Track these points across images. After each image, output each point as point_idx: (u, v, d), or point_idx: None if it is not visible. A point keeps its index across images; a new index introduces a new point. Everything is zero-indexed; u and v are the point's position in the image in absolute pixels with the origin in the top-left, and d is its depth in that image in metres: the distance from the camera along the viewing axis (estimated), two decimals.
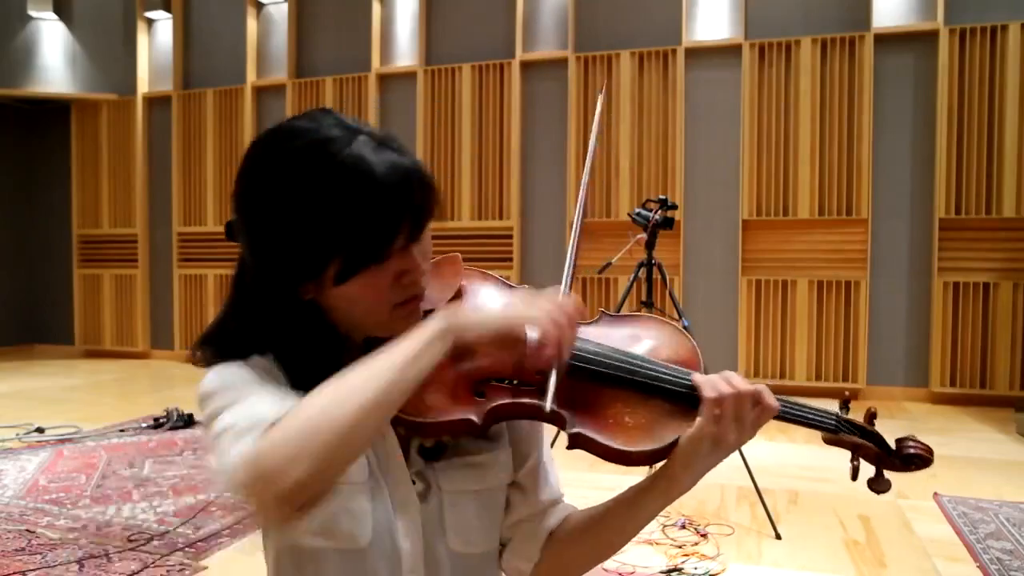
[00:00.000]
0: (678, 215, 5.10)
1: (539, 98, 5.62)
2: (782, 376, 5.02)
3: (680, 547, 2.35)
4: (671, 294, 2.85)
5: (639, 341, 0.88)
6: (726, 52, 5.15)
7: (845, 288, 4.91)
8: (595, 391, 0.82)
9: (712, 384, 0.79)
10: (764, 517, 2.51)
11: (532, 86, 5.63)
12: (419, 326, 0.72)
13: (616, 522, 0.87)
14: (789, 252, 5.02)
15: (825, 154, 4.93)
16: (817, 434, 0.89)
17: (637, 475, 0.94)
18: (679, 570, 2.18)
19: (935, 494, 2.87)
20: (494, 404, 0.79)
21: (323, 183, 0.74)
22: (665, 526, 2.53)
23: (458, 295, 0.89)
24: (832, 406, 0.87)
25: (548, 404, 0.74)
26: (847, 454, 0.85)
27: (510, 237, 5.59)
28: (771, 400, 0.79)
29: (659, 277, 2.87)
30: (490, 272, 0.96)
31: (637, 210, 2.88)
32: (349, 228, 0.73)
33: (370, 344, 0.83)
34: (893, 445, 0.84)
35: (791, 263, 5.02)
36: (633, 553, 2.30)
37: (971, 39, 4.66)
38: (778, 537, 2.44)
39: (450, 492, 0.84)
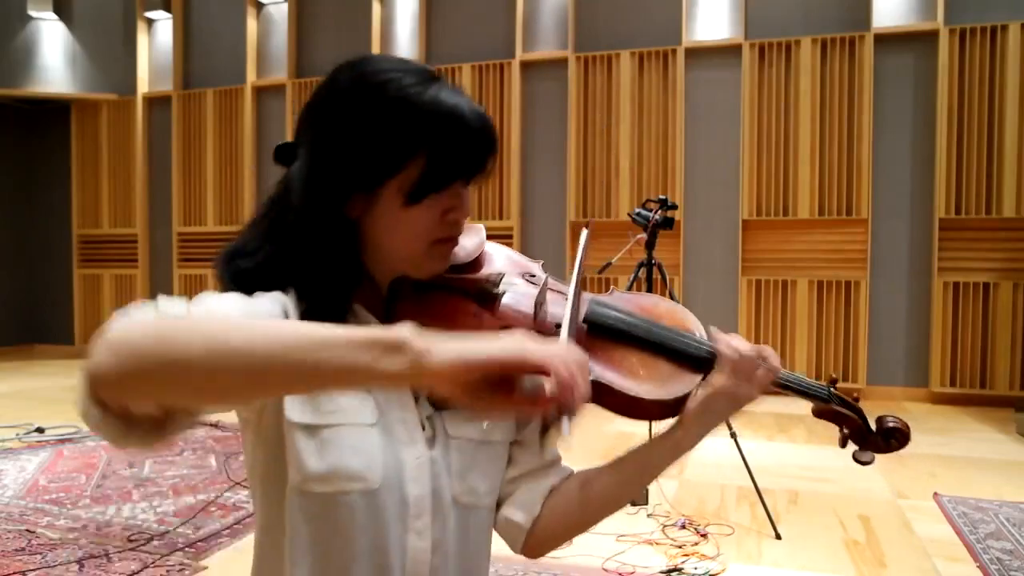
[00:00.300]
0: (678, 215, 5.11)
1: (539, 98, 5.62)
2: None
3: (680, 547, 2.35)
4: (671, 294, 2.85)
5: (651, 311, 0.94)
6: (726, 52, 5.15)
7: (845, 288, 4.91)
8: (610, 347, 0.86)
9: (729, 343, 0.86)
10: (764, 517, 2.50)
11: (532, 86, 5.63)
12: (381, 329, 0.58)
13: (623, 476, 0.91)
14: (789, 252, 5.03)
15: (825, 154, 4.93)
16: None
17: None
18: (679, 570, 2.18)
19: (935, 494, 2.87)
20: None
21: (413, 106, 0.77)
22: (665, 526, 2.53)
23: (479, 260, 0.93)
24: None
25: (566, 431, 0.64)
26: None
27: (510, 237, 5.59)
28: (775, 361, 0.86)
29: (659, 277, 2.87)
30: (509, 249, 0.98)
31: (637, 210, 2.87)
32: (430, 148, 0.77)
33: (394, 290, 0.85)
34: (874, 423, 0.92)
35: (791, 263, 5.02)
36: (633, 553, 2.30)
37: (971, 39, 4.66)
38: (778, 537, 2.43)
39: (456, 439, 0.85)
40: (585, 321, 0.87)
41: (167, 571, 2.18)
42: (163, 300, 0.66)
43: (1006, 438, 3.84)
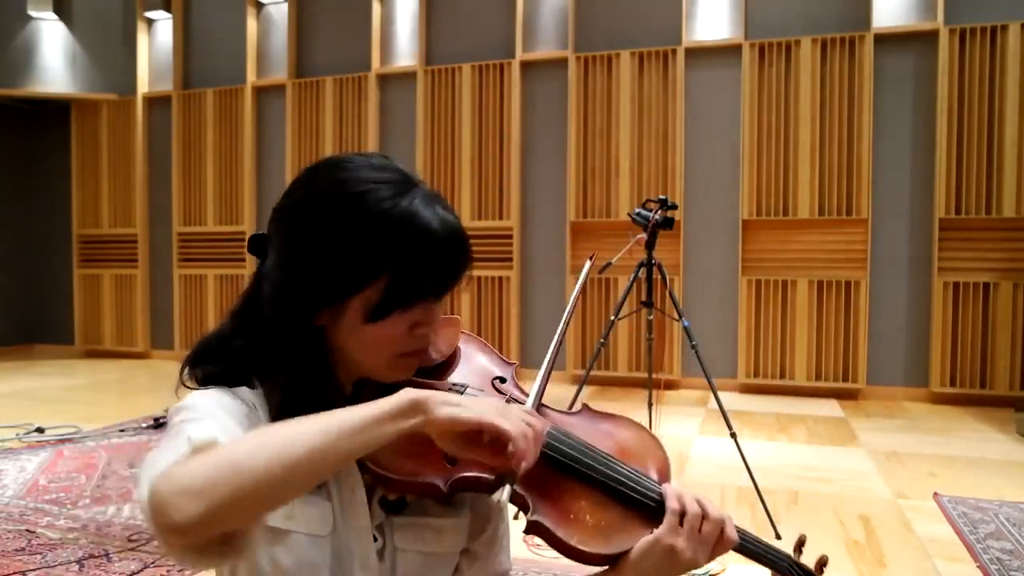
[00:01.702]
0: (678, 215, 5.11)
1: (539, 98, 5.62)
2: (782, 376, 5.02)
3: None
4: (671, 294, 2.85)
5: (615, 441, 0.89)
6: (726, 52, 5.15)
7: (845, 288, 4.91)
8: (562, 483, 0.82)
9: (679, 497, 0.81)
10: (764, 517, 2.50)
11: (532, 86, 5.63)
12: (387, 399, 0.67)
13: None
14: (789, 252, 5.02)
15: (825, 154, 4.93)
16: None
17: None
18: None
19: (935, 494, 2.87)
20: (462, 475, 0.79)
21: (379, 223, 0.77)
22: None
23: (452, 358, 0.91)
24: (788, 546, 0.89)
25: (502, 496, 0.73)
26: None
27: (510, 237, 5.59)
28: (732, 532, 0.82)
29: (659, 277, 2.87)
30: (487, 344, 0.98)
31: (637, 210, 2.87)
32: (394, 267, 0.77)
33: (359, 388, 0.85)
34: None
35: (791, 263, 5.02)
36: None
37: (971, 39, 4.66)
38: (778, 537, 2.43)
39: (403, 551, 0.84)
40: (541, 452, 0.81)
41: (167, 571, 2.18)
42: (191, 430, 0.67)
43: (1006, 438, 3.84)
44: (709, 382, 2.68)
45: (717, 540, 0.81)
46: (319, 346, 0.82)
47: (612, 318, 2.94)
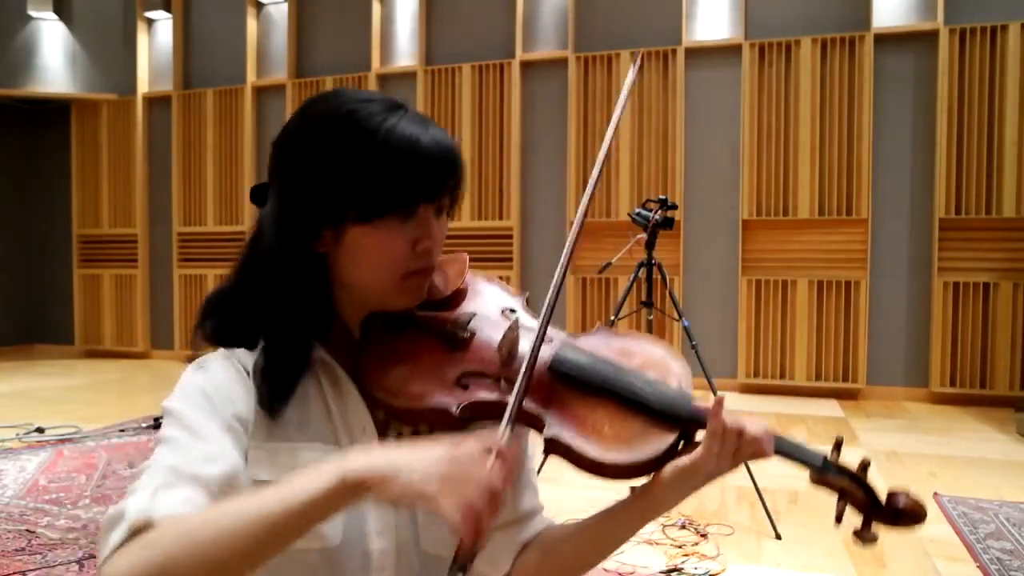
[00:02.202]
0: (678, 215, 5.11)
1: (539, 98, 5.62)
2: (782, 376, 5.02)
3: (680, 547, 2.35)
4: (671, 294, 2.85)
5: (631, 354, 0.86)
6: (726, 52, 5.15)
7: (845, 288, 4.91)
8: (576, 397, 0.80)
9: (719, 417, 0.77)
10: (764, 517, 2.51)
11: (532, 86, 5.63)
12: (319, 468, 0.64)
13: (594, 538, 0.86)
14: (789, 252, 5.02)
15: (825, 154, 4.93)
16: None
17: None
18: (679, 570, 2.18)
19: (935, 494, 2.87)
20: (473, 399, 0.78)
21: (370, 134, 0.78)
22: (665, 526, 2.52)
23: (459, 294, 0.90)
24: (826, 446, 0.82)
25: None
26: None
27: (510, 237, 5.59)
28: (769, 447, 0.77)
29: (659, 277, 2.87)
30: (495, 279, 0.96)
31: (637, 210, 2.87)
32: (385, 170, 0.77)
33: (367, 327, 0.84)
34: (884, 497, 0.79)
35: (791, 263, 5.02)
36: (633, 553, 2.30)
37: (971, 39, 4.66)
38: (778, 537, 2.44)
39: None
40: (549, 368, 0.81)
41: None
42: (132, 504, 0.66)
43: (1006, 438, 3.84)
44: (709, 382, 2.68)
45: (751, 453, 0.77)
46: (322, 276, 0.82)
47: (612, 318, 2.94)
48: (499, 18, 5.70)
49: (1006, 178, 4.61)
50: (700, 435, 0.80)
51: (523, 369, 0.75)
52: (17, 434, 3.79)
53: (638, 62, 0.98)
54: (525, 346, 0.82)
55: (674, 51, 5.23)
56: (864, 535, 0.77)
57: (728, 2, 5.18)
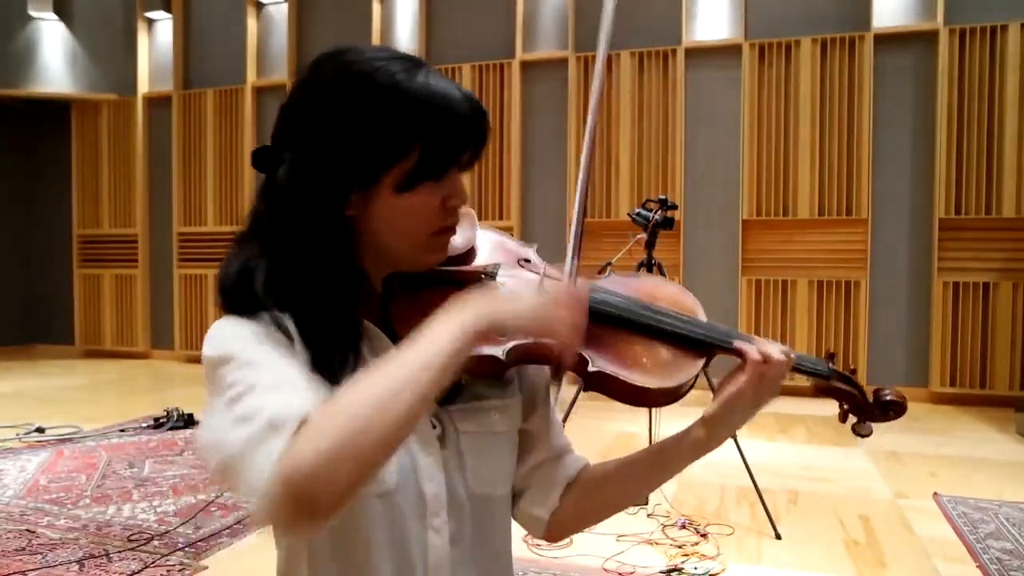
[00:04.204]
0: (678, 215, 5.11)
1: (539, 98, 5.62)
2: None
3: (680, 547, 2.35)
4: None
5: (648, 291, 0.95)
6: (726, 52, 5.15)
7: (845, 288, 4.91)
8: (612, 334, 0.86)
9: (759, 348, 0.86)
10: (764, 517, 2.50)
11: (532, 86, 5.63)
12: (449, 313, 0.68)
13: (644, 472, 0.91)
14: (789, 252, 5.03)
15: (825, 154, 4.93)
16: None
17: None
18: (679, 570, 2.18)
19: (935, 494, 2.87)
20: (518, 342, 0.81)
21: (404, 94, 0.76)
22: (665, 526, 2.53)
23: (473, 249, 0.93)
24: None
25: (558, 388, 0.79)
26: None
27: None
28: (790, 365, 0.87)
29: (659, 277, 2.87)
30: (501, 232, 0.99)
31: (637, 210, 2.87)
32: (425, 134, 0.76)
33: (388, 286, 0.85)
34: (871, 396, 0.93)
35: (791, 263, 5.02)
36: (633, 553, 2.30)
37: (971, 39, 4.66)
38: (778, 537, 2.44)
39: (466, 433, 0.85)
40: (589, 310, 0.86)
41: (167, 571, 2.18)
42: (274, 404, 0.62)
43: (1006, 438, 3.84)
44: (709, 382, 2.68)
45: (781, 374, 0.86)
46: (349, 239, 0.80)
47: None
48: (499, 18, 5.70)
49: (1006, 178, 4.61)
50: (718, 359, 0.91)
51: (580, 199, 0.84)
52: (17, 434, 3.79)
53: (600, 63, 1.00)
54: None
55: (674, 51, 5.23)
56: (861, 428, 0.93)
57: (728, 2, 5.18)
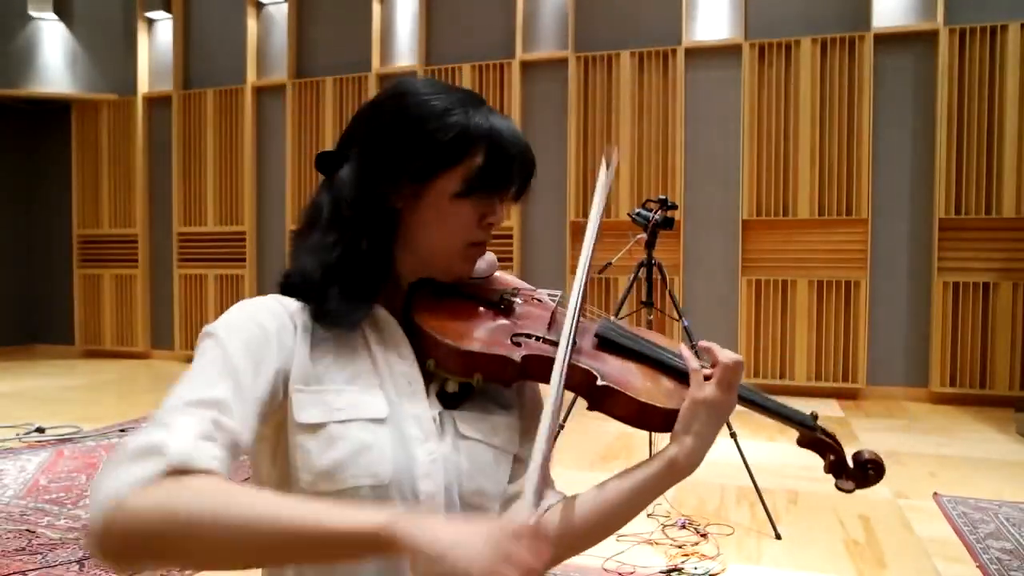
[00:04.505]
0: (678, 215, 5.11)
1: (539, 98, 5.62)
2: (782, 376, 5.02)
3: (680, 547, 2.35)
4: (671, 294, 2.85)
5: (645, 333, 1.00)
6: (726, 52, 5.15)
7: (845, 288, 4.91)
8: (620, 361, 0.91)
9: (691, 357, 0.91)
10: (764, 517, 2.51)
11: (532, 86, 5.63)
12: (364, 511, 0.63)
13: (623, 499, 0.88)
14: (789, 252, 5.03)
15: (825, 154, 4.93)
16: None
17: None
18: (679, 570, 2.18)
19: (935, 494, 2.87)
20: (530, 352, 0.85)
21: (478, 112, 0.86)
22: (665, 526, 2.53)
23: (492, 279, 0.97)
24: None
25: None
26: (848, 455, 0.93)
27: (510, 237, 5.59)
28: (738, 367, 0.88)
29: (659, 277, 2.87)
30: (518, 281, 1.02)
31: (637, 210, 2.87)
32: (493, 145, 0.85)
33: (413, 292, 0.89)
34: (851, 459, 0.97)
35: (791, 263, 5.02)
36: (633, 553, 2.30)
37: (971, 39, 4.66)
38: (778, 537, 2.44)
39: (467, 438, 0.86)
40: (596, 334, 0.92)
41: (167, 571, 2.18)
42: (173, 443, 0.64)
43: (1006, 438, 3.84)
44: None
45: (735, 375, 0.88)
46: (390, 229, 0.86)
47: (612, 318, 2.94)
48: (499, 18, 5.70)
49: (1006, 178, 4.61)
50: None
51: (572, 315, 0.84)
52: (17, 434, 3.79)
53: (614, 161, 1.05)
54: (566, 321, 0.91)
55: (674, 51, 5.23)
56: (842, 485, 0.97)
57: (728, 2, 5.18)
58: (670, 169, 5.24)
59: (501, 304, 0.91)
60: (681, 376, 0.90)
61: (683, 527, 2.51)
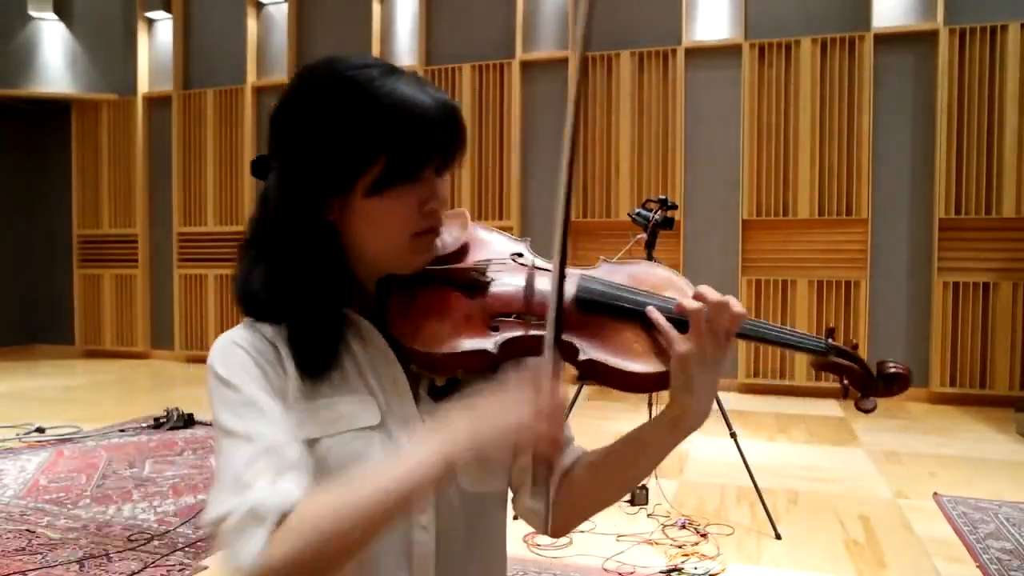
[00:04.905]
0: (678, 215, 5.11)
1: (539, 98, 5.62)
2: (782, 376, 5.02)
3: (680, 547, 2.35)
4: None
5: (642, 281, 0.93)
6: (726, 52, 5.15)
7: (845, 288, 4.91)
8: (601, 322, 0.86)
9: (681, 303, 0.82)
10: (764, 517, 2.51)
11: (532, 86, 5.63)
12: (433, 439, 0.72)
13: (629, 459, 0.88)
14: (789, 252, 5.03)
15: (825, 154, 4.93)
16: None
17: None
18: (679, 570, 2.19)
19: (935, 494, 2.87)
20: (509, 336, 0.83)
21: (371, 101, 0.78)
22: (665, 526, 2.53)
23: (465, 247, 0.93)
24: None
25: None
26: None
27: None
28: (737, 307, 0.80)
29: None
30: (495, 228, 1.00)
31: (637, 210, 2.87)
32: (390, 141, 0.78)
33: (382, 290, 0.86)
34: (875, 369, 0.91)
35: (791, 263, 5.02)
36: (633, 553, 2.30)
37: (971, 39, 4.66)
38: (778, 537, 2.44)
39: None
40: (575, 299, 0.86)
41: (167, 571, 2.18)
42: (258, 500, 0.69)
43: (1006, 438, 3.84)
44: None
45: (730, 321, 0.80)
46: (334, 243, 0.83)
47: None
48: (499, 18, 5.70)
49: (1006, 178, 4.61)
50: None
51: (554, 292, 0.79)
52: (17, 434, 3.79)
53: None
54: (545, 284, 0.87)
55: (674, 51, 5.23)
56: (863, 404, 0.91)
57: (728, 2, 5.18)
58: (670, 169, 5.24)
59: (472, 286, 0.87)
60: (675, 327, 0.83)
61: (683, 527, 2.51)
